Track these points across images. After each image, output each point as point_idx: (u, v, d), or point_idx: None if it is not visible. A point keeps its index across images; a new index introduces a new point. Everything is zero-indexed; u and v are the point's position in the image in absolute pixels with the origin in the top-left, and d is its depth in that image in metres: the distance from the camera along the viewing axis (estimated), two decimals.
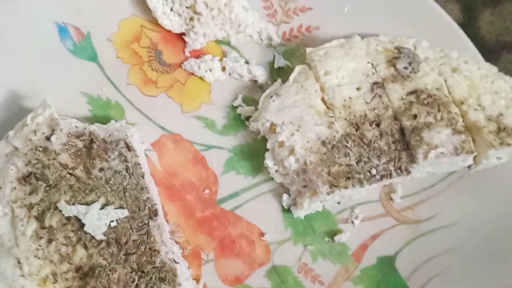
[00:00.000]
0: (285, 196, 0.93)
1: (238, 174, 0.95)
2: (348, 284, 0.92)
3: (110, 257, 0.79)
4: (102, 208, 0.80)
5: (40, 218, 0.79)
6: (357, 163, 0.86)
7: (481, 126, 0.87)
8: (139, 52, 0.99)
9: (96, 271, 0.77)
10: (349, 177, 0.85)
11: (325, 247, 0.93)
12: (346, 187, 0.84)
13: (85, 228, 0.78)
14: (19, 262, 0.77)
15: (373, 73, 0.91)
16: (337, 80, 0.91)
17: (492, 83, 0.91)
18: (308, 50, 0.94)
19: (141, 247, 0.80)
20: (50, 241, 0.78)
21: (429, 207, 0.96)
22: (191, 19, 0.97)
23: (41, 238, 0.78)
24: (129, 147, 0.84)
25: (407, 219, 0.95)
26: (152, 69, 0.99)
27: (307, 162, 0.86)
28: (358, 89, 0.91)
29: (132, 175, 0.83)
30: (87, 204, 0.80)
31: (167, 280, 0.79)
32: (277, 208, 0.95)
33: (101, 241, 0.79)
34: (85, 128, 0.83)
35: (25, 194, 0.80)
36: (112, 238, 0.79)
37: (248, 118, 0.97)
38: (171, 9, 0.97)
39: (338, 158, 0.86)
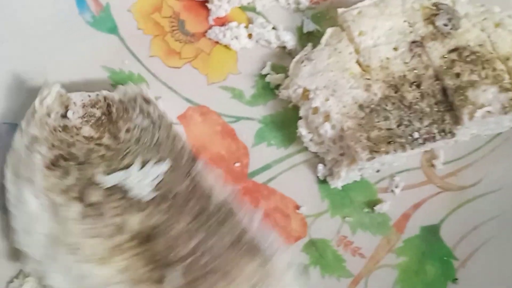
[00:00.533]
0: (320, 166, 0.88)
1: (269, 146, 0.91)
2: (391, 256, 0.87)
3: (164, 214, 0.75)
4: (141, 168, 0.76)
5: (81, 198, 0.75)
6: (397, 126, 0.81)
7: None
8: (160, 22, 0.95)
9: (155, 232, 0.74)
10: (390, 142, 0.80)
11: (364, 218, 0.88)
12: (387, 152, 0.79)
13: (131, 194, 0.75)
14: (72, 249, 0.73)
15: (411, 32, 0.86)
16: (373, 40, 0.86)
17: None
18: (340, 10, 0.89)
19: (192, 196, 0.76)
20: (98, 217, 0.75)
21: (474, 172, 0.90)
22: None
23: (87, 217, 0.74)
24: (147, 100, 0.81)
25: (450, 186, 0.90)
26: (175, 40, 0.94)
27: (344, 127, 0.81)
28: (395, 49, 0.85)
29: (160, 127, 0.80)
30: (125, 168, 0.76)
31: (227, 221, 0.76)
32: (312, 179, 0.90)
33: (151, 200, 0.75)
34: (97, 94, 0.81)
35: (58, 179, 0.77)
36: (160, 195, 0.75)
37: (278, 86, 0.92)
38: None
39: (378, 122, 0.81)
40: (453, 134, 0.82)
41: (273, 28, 0.94)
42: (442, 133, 0.82)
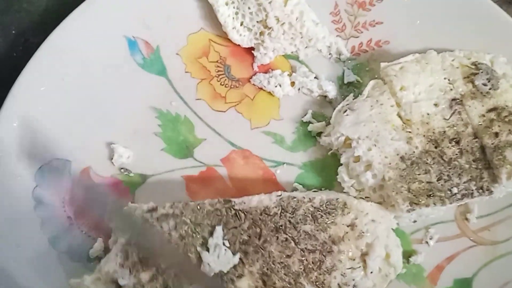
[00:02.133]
0: None
1: (309, 191, 0.93)
2: None
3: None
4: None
5: None
6: (437, 180, 0.84)
7: None
8: (207, 66, 0.98)
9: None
10: (431, 195, 0.82)
11: None
12: (427, 205, 0.82)
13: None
14: None
15: (451, 89, 0.89)
16: (414, 95, 0.89)
17: None
18: (383, 64, 0.92)
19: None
20: None
21: (507, 227, 0.92)
22: (261, 33, 0.96)
23: None
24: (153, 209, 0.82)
25: (483, 240, 0.92)
26: (220, 84, 0.97)
27: (385, 178, 0.84)
28: (436, 105, 0.88)
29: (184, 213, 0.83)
30: None
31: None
32: None
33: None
34: (124, 249, 0.79)
35: None
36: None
37: (318, 134, 0.95)
38: (241, 24, 0.96)
39: (418, 174, 0.84)
40: (490, 192, 0.84)
41: (315, 77, 0.98)
42: (480, 190, 0.84)
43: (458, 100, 0.88)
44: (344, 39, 1.00)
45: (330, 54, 1.00)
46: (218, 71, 0.98)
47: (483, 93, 0.88)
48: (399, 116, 0.89)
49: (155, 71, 0.96)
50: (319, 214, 0.81)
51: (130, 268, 0.76)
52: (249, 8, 0.95)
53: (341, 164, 0.90)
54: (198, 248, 0.78)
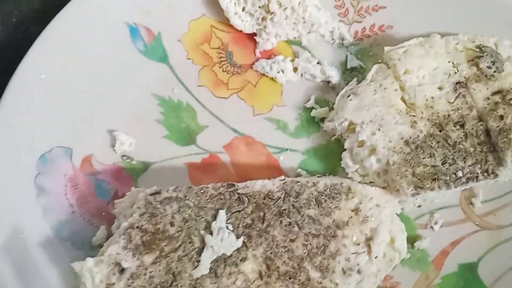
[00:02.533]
0: None
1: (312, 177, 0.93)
2: None
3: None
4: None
5: None
6: (442, 164, 0.83)
7: None
8: (209, 53, 0.97)
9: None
10: (435, 179, 0.82)
11: None
12: (432, 189, 0.81)
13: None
14: None
15: (455, 73, 0.88)
16: (418, 79, 0.88)
17: None
18: (387, 48, 0.91)
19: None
20: None
21: None
22: (263, 19, 0.95)
23: None
24: (157, 192, 0.82)
25: (488, 225, 0.91)
26: (223, 71, 0.97)
27: (390, 162, 0.83)
28: (440, 88, 0.88)
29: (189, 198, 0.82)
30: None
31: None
32: None
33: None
34: (127, 229, 0.78)
35: None
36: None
37: (321, 119, 0.95)
38: (243, 9, 0.96)
39: (423, 158, 0.83)
40: (496, 175, 0.84)
41: (318, 63, 0.97)
42: (485, 174, 0.83)
43: (462, 83, 0.88)
44: (347, 24, 1.00)
45: (333, 39, 0.99)
46: (220, 57, 0.97)
47: (487, 76, 0.88)
48: (403, 100, 0.88)
49: (157, 58, 0.96)
50: (323, 198, 0.80)
51: (133, 251, 0.75)
52: None
53: (345, 150, 0.89)
54: (202, 232, 0.77)
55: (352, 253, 0.79)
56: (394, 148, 0.83)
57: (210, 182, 0.84)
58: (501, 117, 0.85)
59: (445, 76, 0.88)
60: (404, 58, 0.89)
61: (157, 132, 0.93)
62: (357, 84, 0.92)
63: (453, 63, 0.90)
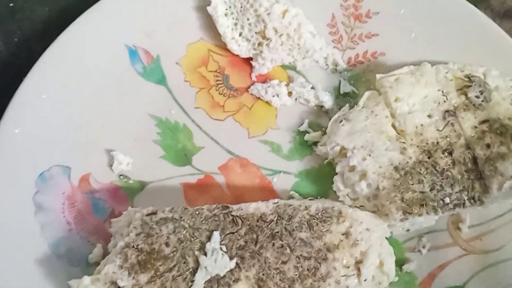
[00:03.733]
0: None
1: (305, 199, 0.95)
2: None
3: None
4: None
5: None
6: (430, 190, 0.85)
7: None
8: (206, 76, 1.00)
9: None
10: (423, 204, 0.84)
11: None
12: (420, 215, 0.84)
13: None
14: None
15: (444, 101, 0.91)
16: (408, 107, 0.91)
17: None
18: (378, 76, 0.94)
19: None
20: None
21: (498, 237, 0.93)
22: (260, 44, 0.98)
23: None
24: (154, 213, 0.84)
25: (475, 249, 0.93)
26: (219, 93, 0.99)
27: (379, 187, 0.85)
28: (429, 116, 0.90)
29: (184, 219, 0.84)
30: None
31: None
32: None
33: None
34: (123, 248, 0.80)
35: None
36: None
37: (314, 143, 0.97)
38: (240, 34, 0.99)
39: (412, 184, 0.85)
40: (482, 202, 0.86)
41: (312, 88, 1.00)
42: (472, 201, 0.86)
43: (451, 112, 0.90)
44: (341, 50, 1.02)
45: (327, 65, 1.02)
46: (217, 80, 1.00)
47: (475, 105, 0.90)
48: (394, 127, 0.91)
49: (155, 80, 0.98)
50: (315, 222, 0.82)
51: (129, 270, 0.77)
52: (248, 19, 0.97)
53: (337, 173, 0.91)
54: (196, 252, 0.79)
55: (342, 276, 0.81)
56: (384, 173, 0.86)
57: (206, 203, 0.86)
58: (488, 146, 0.87)
59: (435, 104, 0.91)
60: (395, 86, 0.92)
61: (154, 152, 0.95)
62: (349, 109, 0.95)
63: (442, 92, 0.92)
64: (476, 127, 0.89)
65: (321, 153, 0.94)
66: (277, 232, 0.81)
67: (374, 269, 0.82)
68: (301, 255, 0.80)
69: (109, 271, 0.77)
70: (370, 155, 0.87)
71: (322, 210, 0.83)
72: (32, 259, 0.86)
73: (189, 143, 0.96)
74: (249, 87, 1.00)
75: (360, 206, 0.90)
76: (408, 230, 0.92)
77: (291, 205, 0.83)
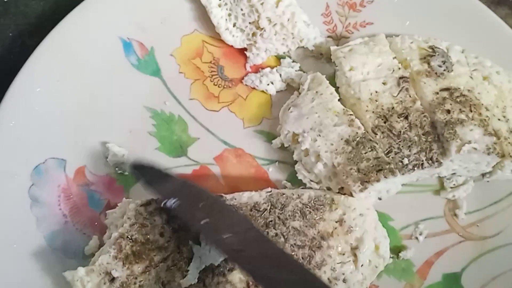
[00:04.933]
0: None
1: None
2: None
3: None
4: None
5: None
6: (387, 153, 0.86)
7: (502, 135, 0.87)
8: (201, 67, 1.00)
9: None
10: (380, 169, 0.85)
11: (389, 263, 0.91)
12: (378, 180, 0.84)
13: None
14: None
15: (399, 68, 0.92)
16: (363, 75, 0.92)
17: None
18: (333, 48, 0.95)
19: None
20: None
21: (495, 223, 0.94)
22: (254, 34, 0.98)
23: None
24: (148, 203, 0.83)
25: (472, 236, 0.93)
26: (214, 84, 0.99)
27: (335, 164, 0.85)
28: (384, 83, 0.91)
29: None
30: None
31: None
32: None
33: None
34: (117, 239, 0.80)
35: None
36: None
37: None
38: (234, 25, 0.98)
39: (365, 153, 0.86)
40: (440, 163, 0.87)
41: (300, 69, 1.00)
42: (430, 161, 0.87)
43: (405, 78, 0.91)
44: (335, 39, 1.02)
45: (321, 54, 1.01)
46: (212, 71, 1.00)
47: (437, 73, 0.92)
48: (341, 102, 0.92)
49: (150, 72, 0.98)
50: (308, 210, 0.82)
51: (123, 260, 0.77)
52: (241, 9, 0.97)
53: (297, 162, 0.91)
54: (190, 242, 0.79)
55: (338, 263, 0.81)
56: (336, 149, 0.86)
57: None
58: (448, 111, 0.88)
59: (389, 71, 0.92)
60: (348, 56, 0.93)
61: (149, 143, 0.95)
62: (298, 96, 0.94)
63: (406, 59, 0.93)
64: (437, 93, 0.90)
65: (276, 145, 0.95)
66: (271, 221, 0.81)
67: (370, 254, 0.82)
68: (295, 243, 0.80)
69: (103, 261, 0.77)
70: (320, 135, 0.88)
71: (315, 198, 0.83)
72: (28, 251, 0.86)
73: (184, 135, 0.96)
74: (243, 77, 0.99)
75: (327, 187, 0.90)
76: (380, 199, 0.91)
77: (284, 194, 0.83)
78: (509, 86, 0.92)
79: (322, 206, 0.83)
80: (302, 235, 0.81)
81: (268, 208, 0.82)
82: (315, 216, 0.82)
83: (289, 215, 0.82)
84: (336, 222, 0.83)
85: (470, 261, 0.92)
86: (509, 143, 0.88)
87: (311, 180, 0.90)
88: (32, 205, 0.88)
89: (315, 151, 0.87)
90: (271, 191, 0.84)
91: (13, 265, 0.84)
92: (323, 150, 0.86)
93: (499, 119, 0.89)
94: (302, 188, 0.90)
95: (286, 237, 0.81)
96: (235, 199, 0.83)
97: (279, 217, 0.81)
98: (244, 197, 0.83)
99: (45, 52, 0.92)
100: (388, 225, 0.93)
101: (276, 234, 0.81)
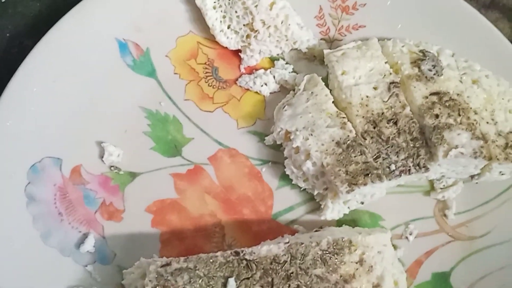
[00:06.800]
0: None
1: (293, 189, 0.97)
2: None
3: None
4: None
5: None
6: (375, 159, 0.88)
7: (490, 138, 0.89)
8: (196, 68, 1.01)
9: None
10: (368, 174, 0.86)
11: None
12: (365, 184, 0.85)
13: None
14: None
15: (390, 73, 0.93)
16: (354, 79, 0.93)
17: (508, 101, 0.93)
18: (326, 51, 0.96)
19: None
20: None
21: (484, 223, 0.96)
22: (248, 36, 0.99)
23: None
24: (168, 263, 0.83)
25: (461, 236, 0.95)
26: (208, 85, 1.01)
27: (324, 164, 0.87)
28: (375, 88, 0.92)
29: None
30: None
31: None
32: (332, 221, 0.95)
33: None
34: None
35: None
36: None
37: None
38: (228, 27, 1.00)
39: (354, 156, 0.87)
40: (427, 169, 0.88)
41: (294, 71, 1.01)
42: (417, 167, 0.88)
43: (396, 83, 0.92)
44: (329, 42, 1.03)
45: (314, 56, 1.03)
46: (206, 72, 1.01)
47: (427, 77, 0.93)
48: (335, 104, 0.93)
49: (145, 73, 1.00)
50: (328, 256, 0.82)
51: None
52: (236, 11, 0.98)
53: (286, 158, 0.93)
54: None
55: None
56: (327, 150, 0.88)
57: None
58: (437, 116, 0.90)
59: (381, 76, 0.93)
60: (341, 60, 0.94)
61: (144, 143, 0.97)
62: (293, 96, 0.96)
63: (393, 64, 0.95)
64: (426, 97, 0.92)
65: (269, 142, 0.96)
66: (292, 272, 0.81)
67: None
68: None
69: None
70: (312, 135, 0.89)
71: (333, 243, 0.83)
72: (23, 249, 0.87)
73: (179, 135, 0.97)
74: (237, 78, 1.01)
75: (312, 186, 0.92)
76: (362, 203, 0.93)
77: (302, 243, 0.83)
78: (497, 89, 0.94)
79: (341, 250, 0.83)
80: (326, 281, 0.81)
81: (288, 259, 0.82)
82: (336, 260, 0.82)
83: (310, 264, 0.82)
84: (356, 263, 0.83)
85: (459, 261, 0.94)
86: (496, 145, 0.89)
87: (298, 177, 0.92)
88: (28, 204, 0.89)
89: (306, 150, 0.88)
90: (288, 242, 0.83)
91: (9, 262, 0.86)
92: (313, 149, 0.88)
93: (487, 122, 0.91)
94: (316, 231, 0.91)
95: (310, 286, 0.81)
96: (254, 253, 0.82)
97: (300, 267, 0.81)
98: (263, 250, 0.82)
99: (42, 52, 0.93)
100: (379, 225, 0.95)
101: (299, 286, 0.80)
